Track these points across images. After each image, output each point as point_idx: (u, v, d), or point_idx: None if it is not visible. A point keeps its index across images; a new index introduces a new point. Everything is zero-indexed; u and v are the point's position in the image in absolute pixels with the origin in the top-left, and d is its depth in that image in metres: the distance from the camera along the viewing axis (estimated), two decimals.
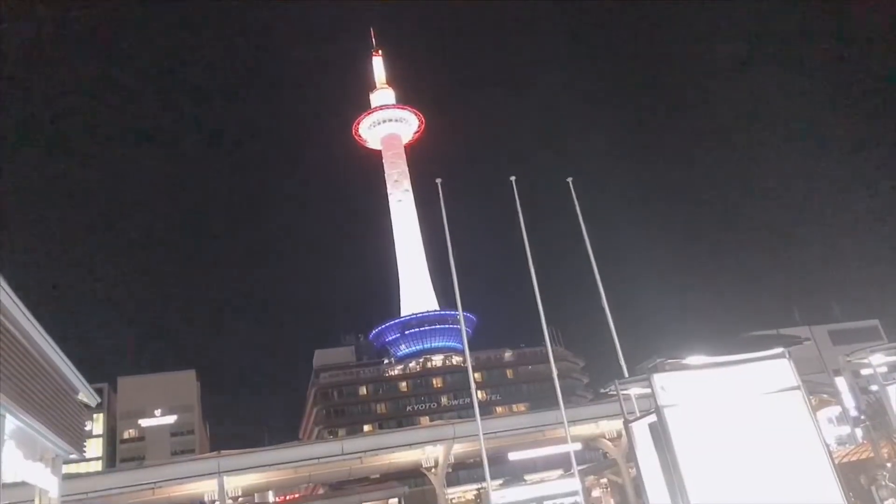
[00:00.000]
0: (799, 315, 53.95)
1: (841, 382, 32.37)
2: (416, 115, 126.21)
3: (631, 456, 10.33)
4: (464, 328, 26.83)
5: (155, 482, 32.21)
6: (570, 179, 25.93)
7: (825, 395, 34.42)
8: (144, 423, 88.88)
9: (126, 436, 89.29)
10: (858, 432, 29.37)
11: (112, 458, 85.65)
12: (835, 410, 33.30)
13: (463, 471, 71.57)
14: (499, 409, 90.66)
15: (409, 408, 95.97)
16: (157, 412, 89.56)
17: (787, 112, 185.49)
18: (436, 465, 35.59)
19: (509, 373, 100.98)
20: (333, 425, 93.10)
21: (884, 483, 19.08)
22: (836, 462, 9.28)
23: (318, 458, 34.79)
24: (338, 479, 49.39)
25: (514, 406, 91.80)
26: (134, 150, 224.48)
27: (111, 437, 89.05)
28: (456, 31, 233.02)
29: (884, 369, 11.81)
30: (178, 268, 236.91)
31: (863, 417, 28.54)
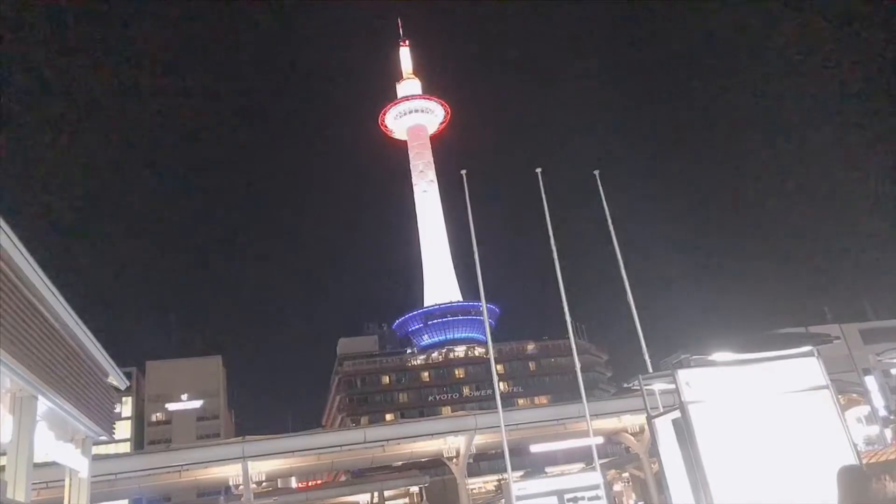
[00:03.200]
0: (830, 313, 52.96)
1: (871, 381, 31.71)
2: (442, 105, 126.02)
3: (653, 451, 10.27)
4: (487, 319, 26.82)
5: (182, 465, 32.79)
6: (596, 172, 25.69)
7: (854, 395, 33.77)
8: (172, 406, 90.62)
9: (154, 419, 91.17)
10: (888, 433, 28.81)
11: (140, 441, 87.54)
12: (864, 410, 32.69)
13: (484, 461, 71.78)
14: (521, 401, 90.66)
15: (431, 398, 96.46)
16: (184, 396, 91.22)
17: (823, 109, 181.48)
18: (457, 456, 35.72)
19: (532, 365, 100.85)
20: (356, 413, 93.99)
21: None
22: (864, 462, 9.11)
23: (341, 445, 35.12)
24: (360, 466, 49.87)
25: (536, 398, 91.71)
26: (162, 139, 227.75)
27: (139, 419, 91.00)
28: (483, 22, 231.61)
29: None
30: (206, 255, 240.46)
31: (892, 417, 27.96)
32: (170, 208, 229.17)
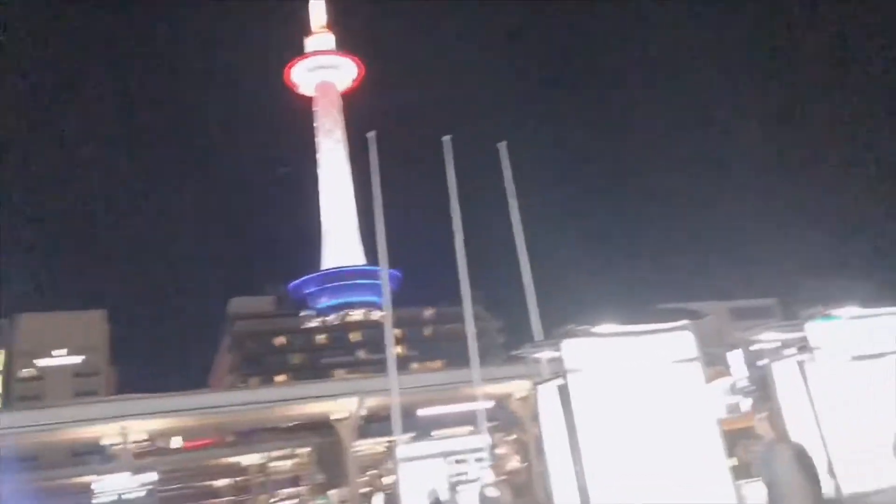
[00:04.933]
0: (705, 291, 57.06)
1: (735, 356, 34.44)
2: (355, 62, 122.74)
3: (537, 416, 10.74)
4: (387, 283, 26.81)
5: (53, 424, 30.97)
6: (502, 143, 25.99)
7: (721, 367, 36.63)
8: (44, 362, 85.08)
9: (24, 374, 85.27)
10: (745, 402, 31.48)
11: (8, 398, 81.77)
12: (728, 382, 35.53)
13: (376, 424, 72.37)
14: (416, 365, 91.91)
15: (324, 360, 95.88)
16: (61, 352, 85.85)
17: (708, 99, 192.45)
18: (347, 418, 35.90)
19: (429, 330, 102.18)
20: (246, 374, 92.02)
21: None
22: (724, 429, 9.98)
23: (229, 405, 34.45)
24: (248, 427, 49.01)
25: (431, 363, 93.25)
26: (49, 80, 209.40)
27: (8, 375, 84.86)
28: None
29: (777, 344, 12.67)
30: (94, 206, 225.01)
31: (750, 389, 30.57)
32: (53, 159, 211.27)
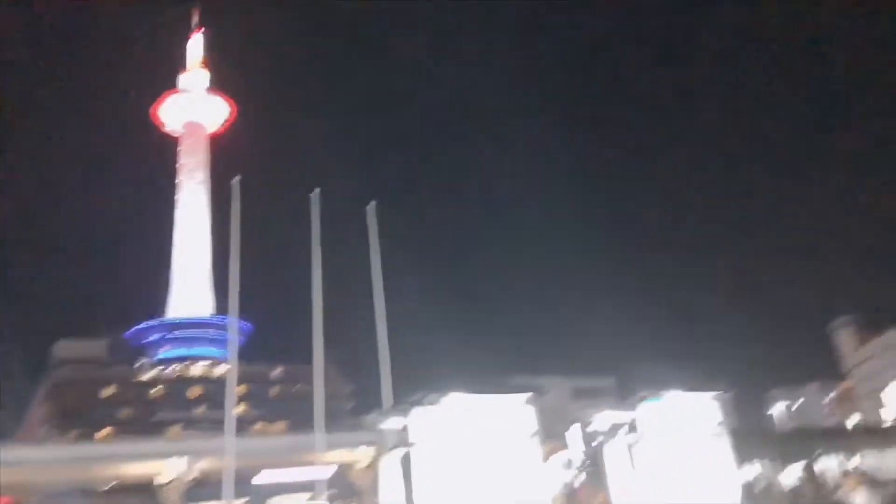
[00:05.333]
0: (553, 366, 59.64)
1: (573, 433, 35.98)
2: (227, 103, 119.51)
3: (379, 484, 10.56)
4: (234, 336, 25.59)
5: None
6: (371, 205, 26.19)
7: (559, 443, 38.08)
8: None
9: None
10: (580, 478, 32.80)
11: None
12: (565, 457, 36.94)
13: (206, 488, 67.15)
14: (259, 425, 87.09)
15: (158, 416, 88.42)
16: None
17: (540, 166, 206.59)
18: (173, 481, 33.11)
19: (276, 389, 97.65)
20: (66, 427, 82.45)
21: None
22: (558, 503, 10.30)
23: (37, 461, 30.63)
24: (57, 488, 43.78)
25: (274, 424, 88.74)
26: None
27: None
28: (282, 23, 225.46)
29: (611, 424, 13.42)
30: None
31: (584, 464, 31.97)
32: None
